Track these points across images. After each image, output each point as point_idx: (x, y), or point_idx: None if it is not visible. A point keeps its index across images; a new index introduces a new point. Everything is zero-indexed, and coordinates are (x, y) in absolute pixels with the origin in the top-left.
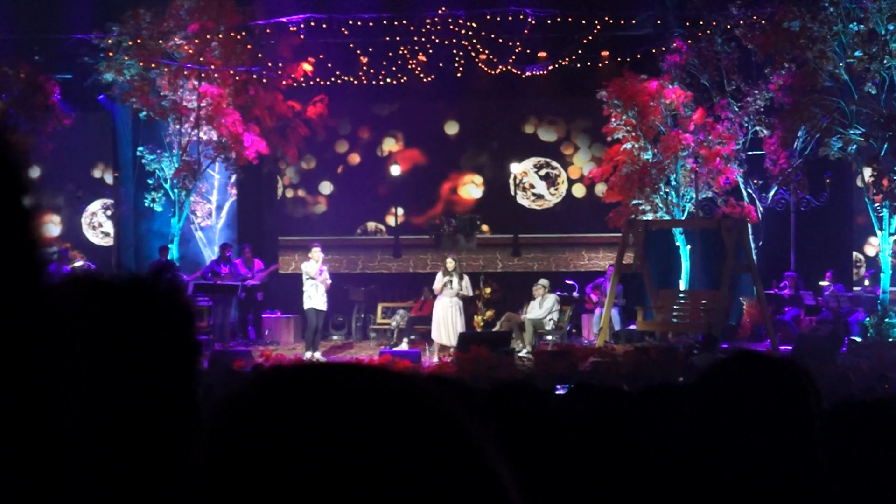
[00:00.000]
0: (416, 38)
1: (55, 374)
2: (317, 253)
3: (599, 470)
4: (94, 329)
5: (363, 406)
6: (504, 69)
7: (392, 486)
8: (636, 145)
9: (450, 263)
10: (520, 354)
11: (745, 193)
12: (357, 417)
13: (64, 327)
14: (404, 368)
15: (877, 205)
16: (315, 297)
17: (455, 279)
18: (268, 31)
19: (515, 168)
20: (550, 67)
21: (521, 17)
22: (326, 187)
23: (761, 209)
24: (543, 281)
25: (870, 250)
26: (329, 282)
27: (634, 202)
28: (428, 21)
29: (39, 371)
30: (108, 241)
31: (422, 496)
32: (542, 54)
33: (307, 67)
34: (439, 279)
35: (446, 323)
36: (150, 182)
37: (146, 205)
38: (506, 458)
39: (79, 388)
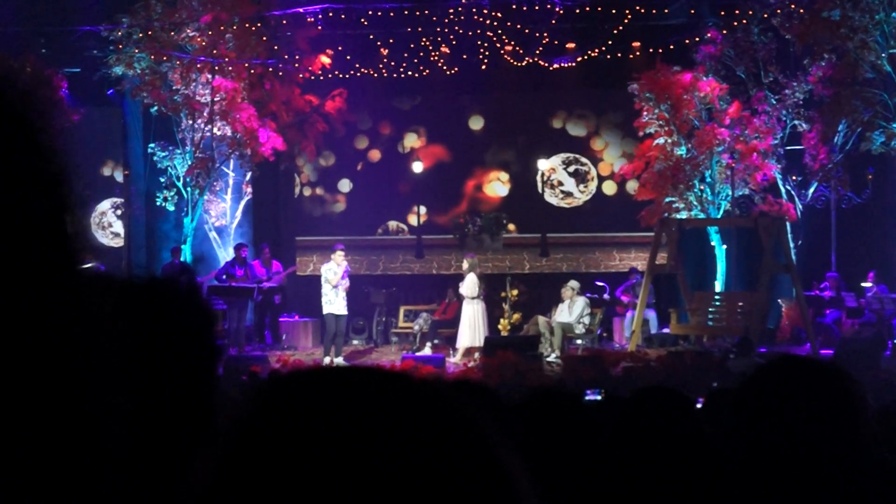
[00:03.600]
0: (438, 29)
1: (88, 369)
2: (339, 256)
3: (638, 477)
4: (114, 329)
5: (374, 410)
6: (531, 61)
7: (404, 491)
8: (669, 140)
9: (464, 264)
10: (548, 359)
11: (783, 190)
12: (367, 422)
13: (95, 324)
14: (427, 374)
15: None
16: (335, 301)
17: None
18: (284, 21)
19: (543, 164)
20: (579, 59)
21: (549, 6)
22: (346, 185)
23: (800, 207)
24: (573, 283)
25: None
26: (347, 284)
27: (668, 200)
28: (451, 11)
29: (75, 364)
30: (118, 242)
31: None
32: (571, 45)
33: (325, 60)
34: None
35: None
36: (162, 180)
37: (158, 204)
38: (537, 465)
39: (101, 388)
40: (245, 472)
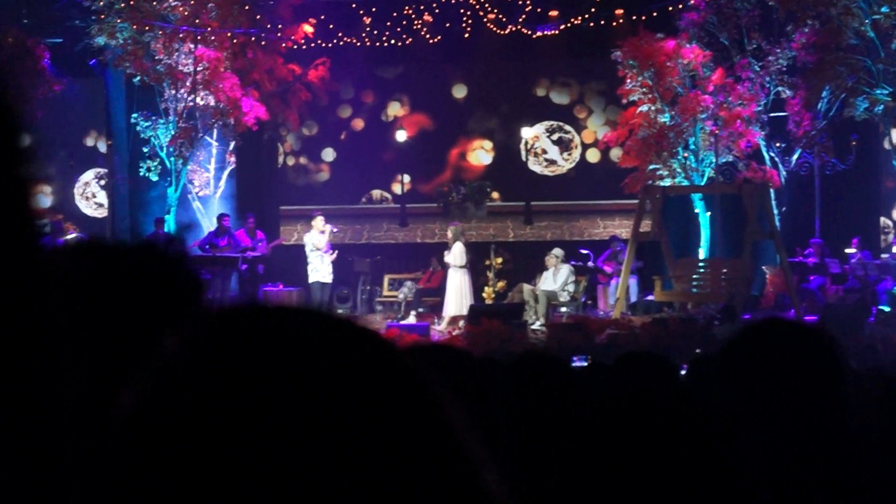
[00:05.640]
0: None
1: (56, 344)
2: (320, 223)
3: (621, 441)
4: (99, 296)
5: (309, 349)
6: (514, 29)
7: (333, 436)
8: (653, 108)
9: (449, 232)
10: (533, 327)
11: (767, 157)
12: (302, 360)
13: (66, 296)
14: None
15: None
16: (321, 269)
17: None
18: None
19: (527, 132)
20: (562, 27)
21: None
22: (329, 154)
23: (784, 173)
24: (557, 251)
25: None
26: (333, 254)
27: (651, 167)
28: None
29: (40, 341)
30: (101, 213)
31: (365, 447)
32: (554, 13)
33: (308, 29)
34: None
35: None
36: (146, 150)
37: (141, 174)
38: (524, 427)
39: (82, 359)
40: (171, 402)
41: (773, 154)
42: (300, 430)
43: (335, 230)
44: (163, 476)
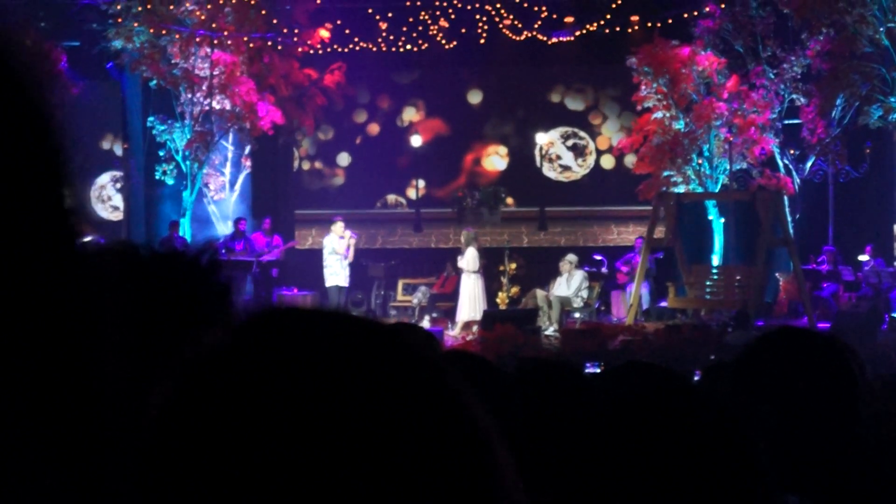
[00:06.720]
0: (437, 3)
1: (93, 343)
2: (340, 228)
3: (634, 449)
4: (130, 301)
5: (346, 352)
6: (529, 35)
7: (362, 436)
8: (667, 114)
9: (462, 236)
10: (546, 333)
11: (781, 164)
12: (339, 363)
13: (101, 298)
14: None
15: None
16: (340, 273)
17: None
18: None
19: (541, 138)
20: (578, 33)
21: None
22: (344, 159)
23: (798, 181)
24: (571, 256)
25: None
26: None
27: (666, 174)
28: None
29: (79, 339)
30: (117, 216)
31: (398, 449)
32: (569, 19)
33: (324, 34)
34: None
35: (470, 298)
36: (161, 154)
37: (157, 177)
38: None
39: (114, 360)
40: (199, 402)
41: (787, 161)
42: (330, 431)
43: (355, 236)
44: (189, 475)
